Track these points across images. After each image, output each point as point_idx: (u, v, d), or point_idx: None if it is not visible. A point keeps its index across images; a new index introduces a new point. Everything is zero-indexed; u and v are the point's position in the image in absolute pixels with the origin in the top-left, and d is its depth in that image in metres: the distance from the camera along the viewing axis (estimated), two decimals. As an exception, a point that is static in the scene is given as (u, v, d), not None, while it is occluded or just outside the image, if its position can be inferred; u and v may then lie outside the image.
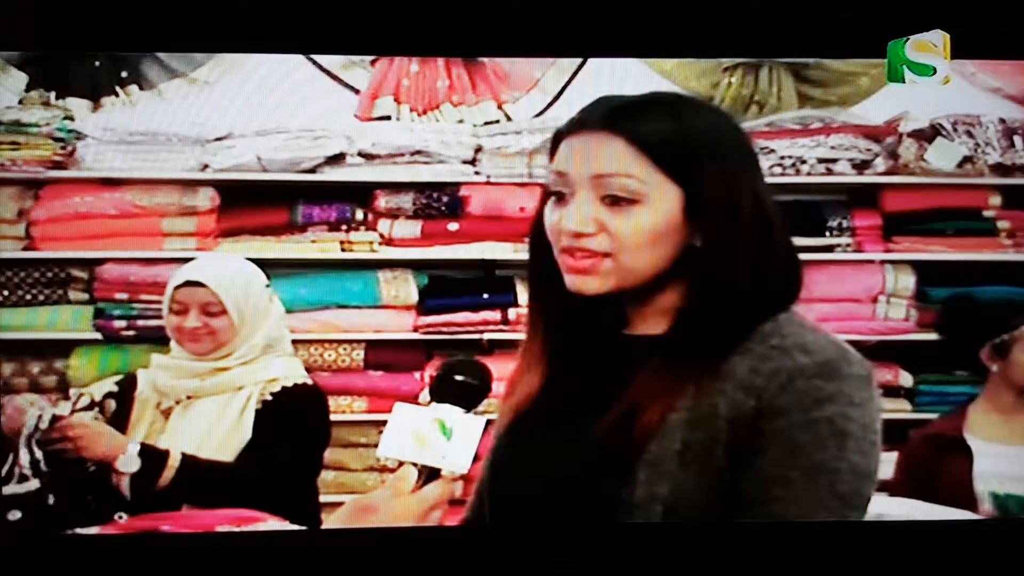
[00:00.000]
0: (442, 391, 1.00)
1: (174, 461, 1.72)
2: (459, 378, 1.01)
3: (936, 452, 2.13)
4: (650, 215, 0.99)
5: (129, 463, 1.70)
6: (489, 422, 1.01)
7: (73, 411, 1.83)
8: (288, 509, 1.67)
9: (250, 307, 1.87)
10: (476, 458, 0.97)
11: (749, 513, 0.95)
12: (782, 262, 1.03)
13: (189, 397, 1.84)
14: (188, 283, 1.84)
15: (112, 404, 1.86)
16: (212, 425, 1.81)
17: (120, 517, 1.68)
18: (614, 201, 0.99)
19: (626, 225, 0.99)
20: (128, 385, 1.89)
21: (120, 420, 1.84)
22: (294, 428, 1.84)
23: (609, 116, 1.01)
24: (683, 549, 1.18)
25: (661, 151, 0.98)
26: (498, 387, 1.07)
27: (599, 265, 1.00)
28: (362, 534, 0.98)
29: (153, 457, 1.72)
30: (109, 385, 1.90)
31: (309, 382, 1.92)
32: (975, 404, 2.21)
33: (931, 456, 2.11)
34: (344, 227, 2.76)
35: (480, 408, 1.00)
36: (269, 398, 1.84)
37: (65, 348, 2.70)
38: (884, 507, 1.75)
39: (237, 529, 1.54)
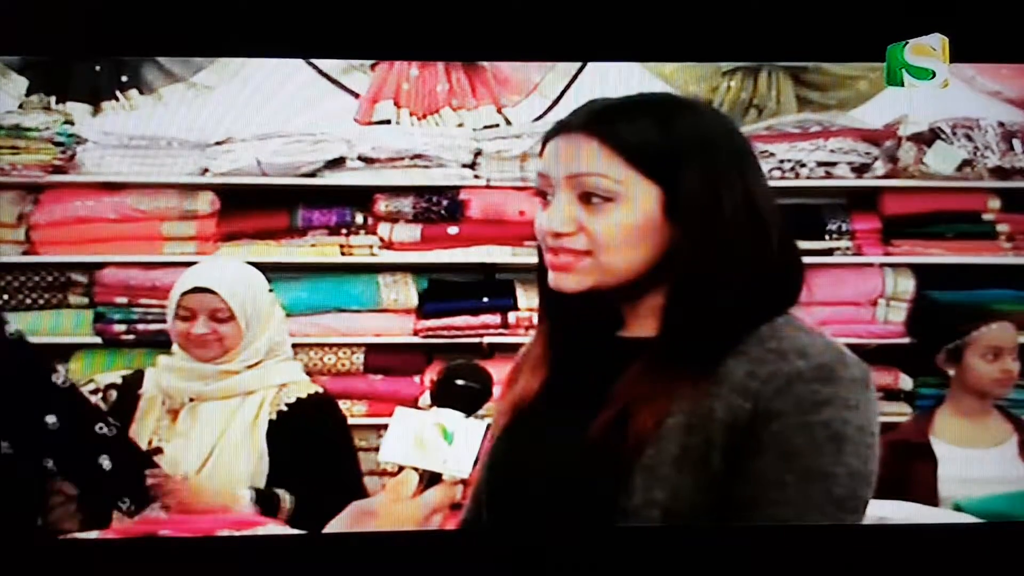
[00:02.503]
0: (444, 395, 1.00)
1: (286, 504, 1.75)
2: (460, 382, 1.01)
3: (902, 458, 2.14)
4: (627, 214, 0.99)
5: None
6: (490, 426, 1.01)
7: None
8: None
9: (256, 313, 1.87)
10: (477, 462, 0.97)
11: (745, 517, 0.95)
12: (778, 265, 1.02)
13: (192, 400, 1.84)
14: (196, 289, 1.84)
15: (113, 394, 1.87)
16: (224, 430, 1.81)
17: (124, 502, 1.68)
18: (590, 200, 1.00)
19: (603, 224, 0.99)
20: (134, 381, 1.90)
21: (122, 414, 1.84)
22: (323, 440, 1.86)
23: (589, 118, 1.01)
24: (681, 552, 1.18)
25: (637, 152, 0.99)
26: (499, 391, 1.07)
27: (577, 263, 1.01)
28: (363, 538, 0.98)
29: (268, 501, 1.75)
30: (114, 377, 1.91)
31: (320, 390, 1.92)
32: (941, 408, 2.24)
33: (897, 462, 2.12)
34: (344, 231, 2.76)
35: (481, 412, 1.00)
36: (284, 409, 1.84)
37: (65, 352, 2.69)
38: (886, 510, 1.75)
39: (237, 533, 1.54)
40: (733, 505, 0.95)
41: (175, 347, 1.89)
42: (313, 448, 1.83)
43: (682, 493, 0.95)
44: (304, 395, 1.87)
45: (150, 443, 1.82)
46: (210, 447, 1.80)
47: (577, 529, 1.01)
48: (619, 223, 0.99)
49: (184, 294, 1.84)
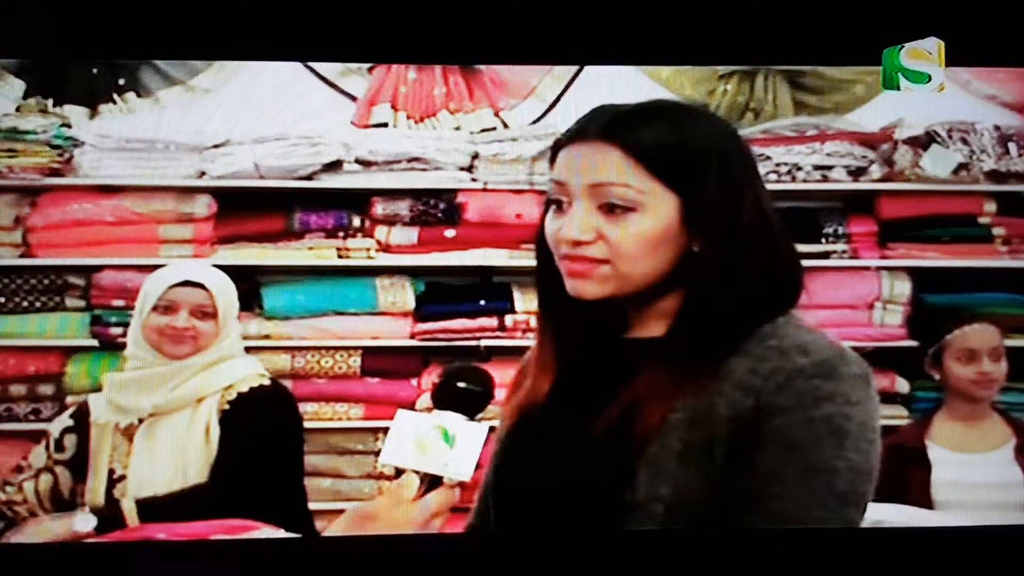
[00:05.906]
0: (444, 398, 1.00)
1: (129, 511, 1.70)
2: (462, 385, 1.01)
3: (898, 462, 2.13)
4: (647, 223, 0.99)
5: (87, 522, 1.68)
6: (492, 429, 1.01)
7: (49, 456, 1.84)
8: (275, 514, 1.65)
9: (232, 314, 1.88)
10: (478, 465, 0.97)
11: (748, 511, 0.95)
12: (783, 267, 1.04)
13: (152, 415, 1.80)
14: (187, 283, 1.83)
15: (73, 439, 1.84)
16: (184, 442, 1.78)
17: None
18: (611, 209, 1.00)
19: (623, 233, 1.00)
20: (83, 414, 1.85)
21: (81, 454, 1.82)
22: (257, 432, 1.80)
23: (606, 126, 1.01)
24: (685, 555, 1.18)
25: (658, 160, 0.99)
26: (500, 393, 1.07)
27: (596, 270, 1.01)
28: (363, 542, 0.98)
29: (108, 512, 1.70)
30: (65, 420, 1.87)
31: (267, 382, 1.88)
32: (939, 413, 2.23)
33: (893, 466, 2.12)
34: (341, 234, 2.76)
35: (482, 415, 1.00)
36: (227, 407, 1.80)
37: (62, 356, 2.69)
38: (883, 514, 1.75)
39: (237, 537, 1.53)
40: (736, 500, 0.96)
41: (130, 348, 1.86)
42: (246, 439, 1.78)
43: (685, 488, 0.96)
44: (247, 389, 1.83)
45: (112, 472, 1.78)
46: (175, 461, 1.76)
47: (583, 530, 1.02)
48: (639, 232, 0.99)
49: (172, 287, 1.82)
